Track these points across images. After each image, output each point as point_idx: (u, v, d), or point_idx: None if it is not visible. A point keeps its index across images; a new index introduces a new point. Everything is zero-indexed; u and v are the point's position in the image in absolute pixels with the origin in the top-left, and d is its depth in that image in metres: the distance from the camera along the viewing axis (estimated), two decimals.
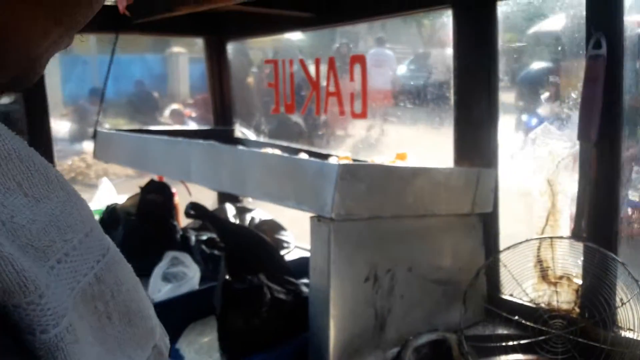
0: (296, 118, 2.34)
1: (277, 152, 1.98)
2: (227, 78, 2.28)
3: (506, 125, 1.54)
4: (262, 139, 2.22)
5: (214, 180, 1.33)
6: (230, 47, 2.27)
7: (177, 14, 1.67)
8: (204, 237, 1.82)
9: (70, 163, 8.38)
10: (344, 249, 1.06)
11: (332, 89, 1.85)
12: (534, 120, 1.54)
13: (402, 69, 3.57)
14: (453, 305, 1.28)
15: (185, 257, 1.64)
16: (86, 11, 0.37)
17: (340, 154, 1.72)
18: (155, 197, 1.91)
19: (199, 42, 2.38)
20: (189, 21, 2.10)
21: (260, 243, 1.31)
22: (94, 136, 1.90)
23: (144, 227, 1.87)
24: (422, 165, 1.24)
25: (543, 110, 1.51)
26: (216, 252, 1.74)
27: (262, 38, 2.62)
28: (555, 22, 1.36)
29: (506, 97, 1.51)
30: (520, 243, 1.31)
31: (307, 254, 1.97)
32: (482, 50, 1.37)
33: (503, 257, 1.32)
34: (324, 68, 1.87)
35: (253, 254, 1.25)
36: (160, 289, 1.44)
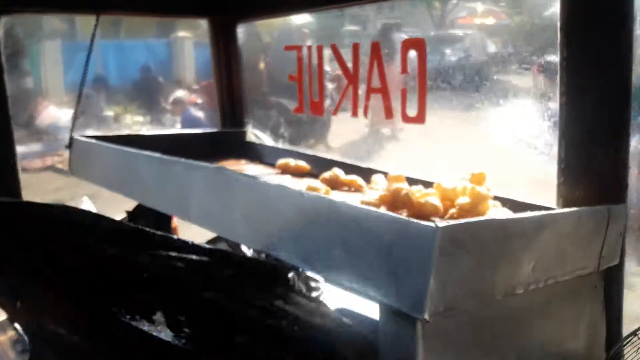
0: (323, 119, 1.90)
1: (305, 167, 1.56)
2: (237, 68, 1.85)
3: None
4: (280, 145, 1.79)
5: (223, 224, 0.92)
6: (241, 30, 1.83)
7: None
8: None
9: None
10: (437, 358, 0.65)
11: (375, 83, 1.43)
12: None
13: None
14: None
15: None
16: None
17: (389, 170, 1.30)
18: (146, 223, 1.50)
19: (204, 25, 1.95)
20: None
21: None
22: (69, 145, 1.48)
23: None
24: (546, 212, 0.82)
25: None
26: None
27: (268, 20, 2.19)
28: None
29: None
30: None
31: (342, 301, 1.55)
32: (608, 25, 0.93)
33: None
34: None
35: None
36: None
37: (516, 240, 0.71)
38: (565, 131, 1.03)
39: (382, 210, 0.65)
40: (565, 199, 1.05)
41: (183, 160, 1.03)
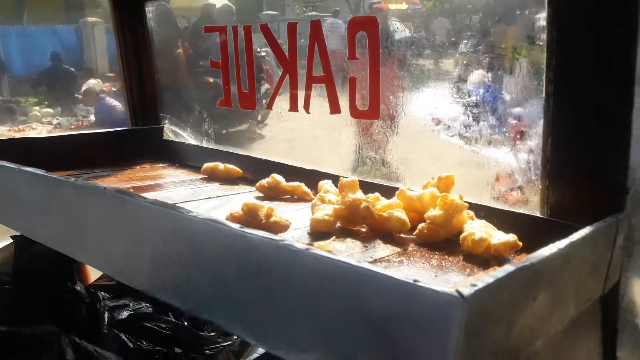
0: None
1: (237, 170, 1.31)
2: (147, 54, 1.56)
3: None
4: (205, 144, 1.53)
5: (127, 272, 0.67)
6: (150, 10, 1.54)
7: None
8: (125, 314, 1.14)
9: None
10: None
11: (317, 72, 1.20)
12: None
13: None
14: None
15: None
16: None
17: (340, 174, 1.08)
18: (43, 247, 1.20)
19: None
20: None
21: None
22: None
23: (24, 298, 1.18)
24: (568, 242, 0.63)
25: None
26: (145, 343, 1.06)
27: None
28: None
29: None
30: None
31: None
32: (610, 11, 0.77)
33: None
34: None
35: None
36: None
37: (546, 288, 0.52)
38: (552, 126, 0.86)
39: (373, 267, 0.43)
40: (552, 206, 0.88)
41: (72, 180, 0.76)
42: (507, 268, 0.45)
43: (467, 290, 0.39)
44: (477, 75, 1.18)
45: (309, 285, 0.48)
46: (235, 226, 0.55)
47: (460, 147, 1.14)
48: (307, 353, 0.48)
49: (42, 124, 7.58)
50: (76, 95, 8.59)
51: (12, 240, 1.22)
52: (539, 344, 0.57)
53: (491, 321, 0.42)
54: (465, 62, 1.13)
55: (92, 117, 7.10)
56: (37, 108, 8.65)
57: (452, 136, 1.14)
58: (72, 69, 9.75)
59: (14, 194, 0.92)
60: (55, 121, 7.53)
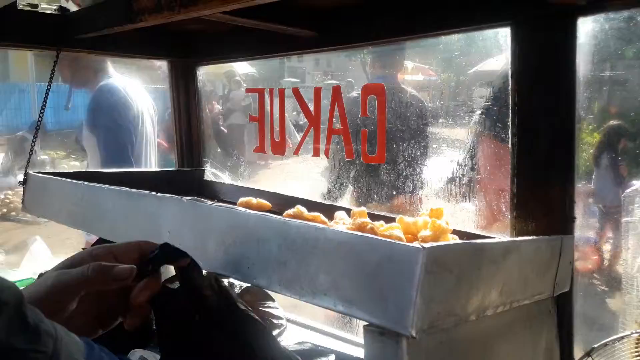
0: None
1: (267, 204, 1.58)
2: (196, 109, 1.87)
3: None
4: (240, 184, 1.81)
5: (197, 257, 0.92)
6: (201, 72, 1.87)
7: (142, 25, 1.27)
8: None
9: (2, 197, 7.58)
10: None
11: (336, 125, 1.49)
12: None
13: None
14: None
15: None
16: None
17: (352, 207, 1.35)
18: None
19: (143, 71, 1.98)
20: (151, 39, 1.70)
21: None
22: (24, 181, 1.44)
23: None
24: (510, 239, 0.88)
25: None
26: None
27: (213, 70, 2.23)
28: None
29: None
30: (617, 339, 0.98)
31: (306, 335, 1.58)
32: (554, 81, 1.05)
33: (598, 355, 0.97)
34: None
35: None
36: None
37: (489, 264, 0.76)
38: (517, 169, 1.12)
39: (368, 234, 0.69)
40: (518, 231, 1.13)
41: (154, 193, 1.03)
42: (460, 242, 0.70)
43: (427, 245, 0.64)
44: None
45: (328, 251, 0.73)
46: (280, 217, 0.81)
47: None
48: (326, 297, 0.72)
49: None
50: None
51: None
52: (489, 312, 0.81)
53: (443, 269, 0.66)
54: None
55: None
56: (64, 161, 9.11)
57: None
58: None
59: (99, 207, 1.19)
60: None
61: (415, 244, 0.64)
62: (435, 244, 0.65)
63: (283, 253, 0.78)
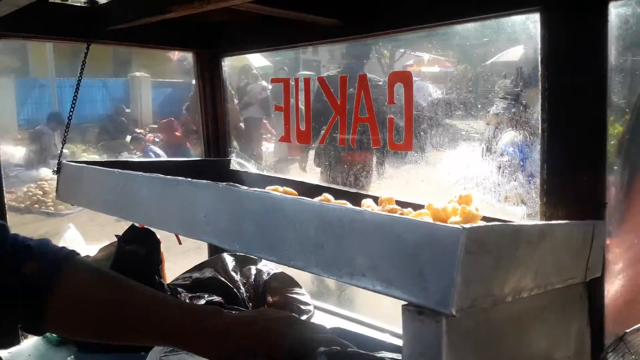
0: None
1: (293, 192, 1.60)
2: (221, 100, 1.90)
3: None
4: (266, 173, 1.83)
5: (233, 239, 0.94)
6: (226, 63, 1.89)
7: (172, 16, 1.29)
8: (202, 302, 1.41)
9: (25, 190, 7.73)
10: (459, 356, 0.69)
11: (362, 113, 1.50)
12: None
13: None
14: None
15: None
16: None
17: (380, 194, 1.36)
18: (137, 247, 1.50)
19: (162, 65, 2.00)
20: (177, 31, 1.72)
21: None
22: (58, 170, 1.48)
23: None
24: (545, 222, 0.89)
25: None
26: None
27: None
28: None
29: None
30: None
31: (334, 322, 1.59)
32: (585, 68, 1.05)
33: (631, 340, 0.98)
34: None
35: None
36: None
37: (525, 246, 0.77)
38: (547, 154, 1.12)
39: (406, 216, 0.70)
40: (548, 217, 1.13)
41: (189, 179, 1.06)
42: (499, 223, 0.71)
43: (467, 226, 0.65)
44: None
45: (367, 233, 0.74)
46: (316, 200, 0.82)
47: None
48: (364, 277, 0.74)
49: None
50: (127, 141, 9.14)
51: (115, 239, 1.51)
52: (525, 294, 0.81)
53: (482, 250, 0.68)
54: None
55: None
56: (84, 154, 9.26)
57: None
58: (124, 119, 10.43)
59: (134, 194, 1.22)
60: None
61: (456, 225, 0.65)
62: (475, 224, 0.66)
63: (320, 235, 0.80)
